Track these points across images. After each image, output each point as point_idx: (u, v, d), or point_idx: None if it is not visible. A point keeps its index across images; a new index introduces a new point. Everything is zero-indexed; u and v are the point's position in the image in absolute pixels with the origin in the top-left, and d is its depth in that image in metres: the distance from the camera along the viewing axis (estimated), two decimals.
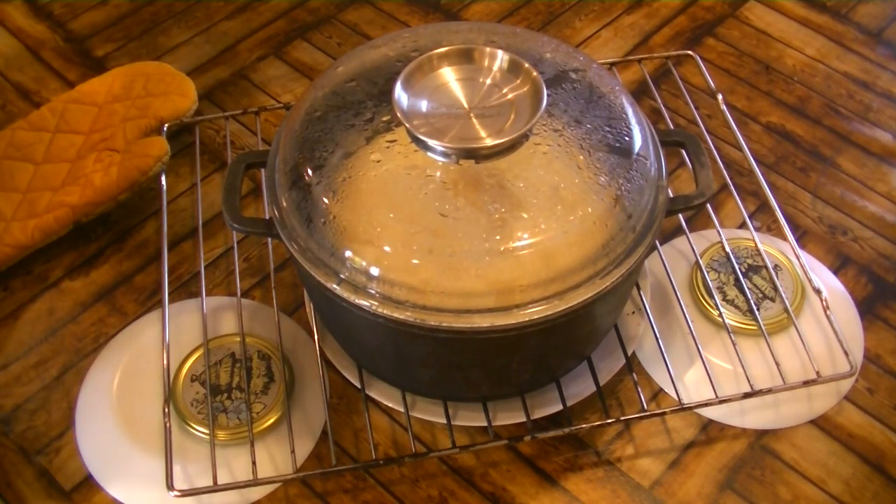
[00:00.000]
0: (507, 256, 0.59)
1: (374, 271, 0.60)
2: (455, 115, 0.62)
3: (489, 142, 0.61)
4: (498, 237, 0.59)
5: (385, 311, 0.61)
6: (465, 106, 0.63)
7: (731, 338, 0.77)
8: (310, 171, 0.63)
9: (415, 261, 0.60)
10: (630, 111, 0.67)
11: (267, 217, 0.68)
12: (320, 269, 0.63)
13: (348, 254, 0.61)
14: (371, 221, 0.61)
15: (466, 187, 0.60)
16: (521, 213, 0.60)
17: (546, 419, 0.74)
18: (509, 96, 0.64)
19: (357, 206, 0.61)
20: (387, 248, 0.60)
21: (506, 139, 0.60)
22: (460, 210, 0.59)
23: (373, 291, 0.61)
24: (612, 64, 0.95)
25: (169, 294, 0.81)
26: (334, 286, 0.62)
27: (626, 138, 0.64)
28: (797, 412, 0.78)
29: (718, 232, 0.84)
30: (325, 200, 0.62)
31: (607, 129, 0.64)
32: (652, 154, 0.66)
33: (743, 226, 0.89)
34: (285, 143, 0.67)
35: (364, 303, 0.61)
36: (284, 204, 0.65)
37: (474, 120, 0.62)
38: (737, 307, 0.81)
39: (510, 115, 0.62)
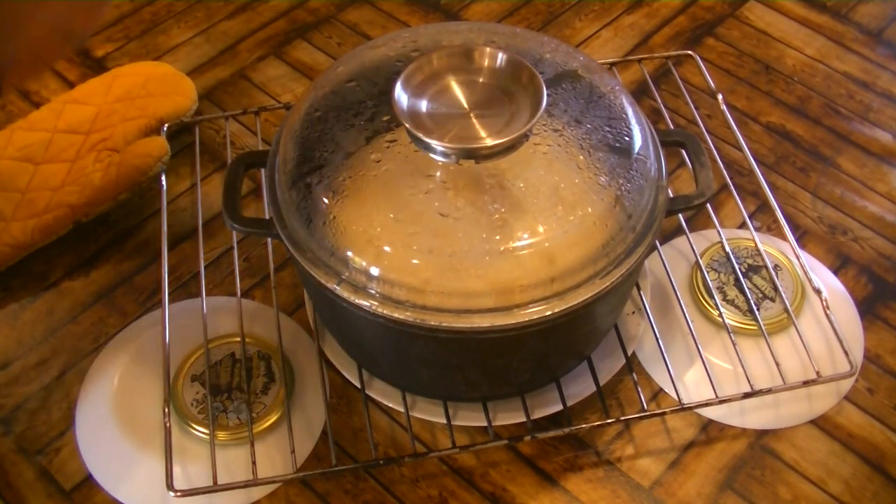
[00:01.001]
0: (507, 256, 0.59)
1: (374, 271, 0.60)
2: (455, 115, 0.62)
3: (489, 142, 0.61)
4: (498, 237, 0.59)
5: (385, 311, 0.61)
6: (465, 106, 0.63)
7: (731, 338, 0.77)
8: (310, 171, 0.63)
9: (415, 261, 0.60)
10: (630, 111, 0.67)
11: (267, 217, 0.68)
12: (320, 269, 0.63)
13: (348, 254, 0.61)
14: (371, 221, 0.61)
15: (466, 187, 0.60)
16: (521, 213, 0.60)
17: (546, 419, 0.74)
18: (509, 96, 0.64)
19: (357, 206, 0.61)
20: (387, 248, 0.60)
21: (506, 139, 0.60)
22: (460, 210, 0.59)
23: (373, 291, 0.61)
24: (612, 64, 0.95)
25: (169, 294, 0.81)
26: (334, 286, 0.62)
27: (626, 138, 0.64)
28: (797, 412, 0.78)
29: (718, 232, 0.84)
30: (325, 200, 0.62)
31: (607, 129, 0.64)
32: (652, 154, 0.66)
33: (743, 226, 0.89)
34: (285, 143, 0.67)
35: (364, 303, 0.61)
36: (284, 204, 0.65)
37: (474, 120, 0.62)
38: (737, 307, 0.81)
39: (510, 115, 0.62)
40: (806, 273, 0.80)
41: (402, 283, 0.60)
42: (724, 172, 0.88)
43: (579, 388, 0.75)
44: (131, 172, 0.87)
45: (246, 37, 1.08)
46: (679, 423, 0.77)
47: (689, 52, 0.98)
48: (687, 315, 0.78)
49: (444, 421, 0.73)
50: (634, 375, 0.75)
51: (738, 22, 1.10)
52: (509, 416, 0.74)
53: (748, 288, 0.81)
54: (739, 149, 0.91)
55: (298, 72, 1.04)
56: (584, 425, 0.73)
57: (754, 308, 0.79)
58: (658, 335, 0.76)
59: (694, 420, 0.77)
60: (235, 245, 0.85)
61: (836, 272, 0.87)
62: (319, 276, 0.63)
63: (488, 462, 0.75)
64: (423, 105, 0.63)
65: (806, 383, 0.74)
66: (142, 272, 0.87)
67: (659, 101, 0.93)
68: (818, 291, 0.79)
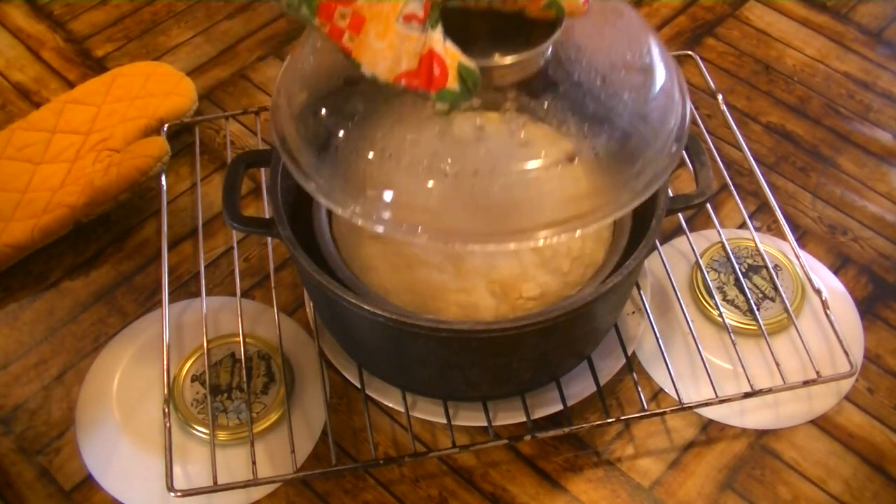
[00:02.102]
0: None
1: None
2: None
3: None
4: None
5: (385, 311, 0.61)
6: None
7: (731, 338, 0.77)
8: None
9: None
10: None
11: (267, 216, 0.68)
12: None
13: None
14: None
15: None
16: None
17: (546, 419, 0.74)
18: None
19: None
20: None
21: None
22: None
23: None
24: None
25: (169, 294, 0.81)
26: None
27: None
28: (797, 412, 0.78)
29: (718, 232, 0.84)
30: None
31: None
32: None
33: (743, 226, 0.89)
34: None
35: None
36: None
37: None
38: (737, 307, 0.81)
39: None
40: (806, 273, 0.80)
41: None
42: (724, 172, 0.88)
43: (579, 387, 0.75)
44: (131, 172, 0.87)
45: (246, 37, 1.08)
46: (679, 423, 0.77)
47: (689, 52, 0.98)
48: (687, 315, 0.78)
49: (444, 421, 0.73)
50: (634, 375, 0.75)
51: (738, 22, 1.10)
52: (509, 416, 0.74)
53: (748, 288, 0.81)
54: (739, 149, 0.91)
55: None
56: (584, 425, 0.73)
57: (754, 308, 0.79)
58: (658, 335, 0.76)
59: (694, 420, 0.77)
60: (235, 245, 0.85)
61: (836, 272, 0.87)
62: (319, 276, 0.63)
63: (488, 462, 0.75)
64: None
65: (806, 383, 0.74)
66: (142, 272, 0.87)
67: None
68: (818, 291, 0.79)
